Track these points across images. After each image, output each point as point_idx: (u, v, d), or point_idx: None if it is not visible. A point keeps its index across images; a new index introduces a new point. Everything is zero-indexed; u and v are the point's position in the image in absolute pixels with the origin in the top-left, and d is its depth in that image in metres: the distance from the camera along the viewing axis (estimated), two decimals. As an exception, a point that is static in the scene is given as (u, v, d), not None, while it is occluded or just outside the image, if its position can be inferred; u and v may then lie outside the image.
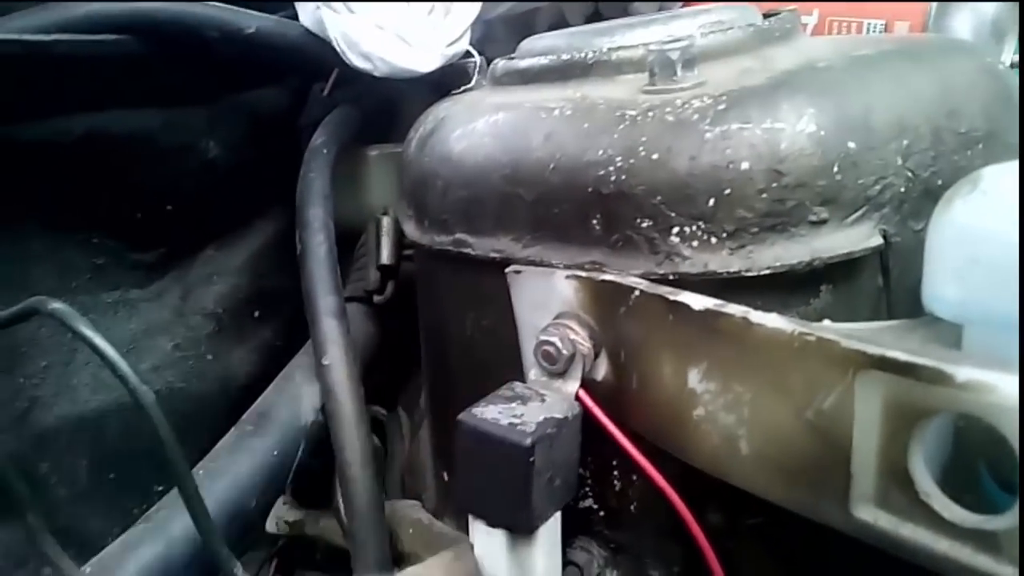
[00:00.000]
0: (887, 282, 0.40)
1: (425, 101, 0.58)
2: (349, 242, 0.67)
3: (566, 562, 0.47)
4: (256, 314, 0.72)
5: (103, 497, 0.60)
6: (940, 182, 0.41)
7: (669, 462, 0.40)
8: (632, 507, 0.46)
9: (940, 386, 0.28)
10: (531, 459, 0.38)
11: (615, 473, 0.46)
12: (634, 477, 0.45)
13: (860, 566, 0.44)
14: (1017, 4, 0.41)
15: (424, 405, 0.62)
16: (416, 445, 0.65)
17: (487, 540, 0.41)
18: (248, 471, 0.52)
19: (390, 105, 0.70)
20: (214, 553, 0.43)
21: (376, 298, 0.62)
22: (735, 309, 0.34)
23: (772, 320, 0.33)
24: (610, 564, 0.48)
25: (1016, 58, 0.63)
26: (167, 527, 0.47)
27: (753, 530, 0.43)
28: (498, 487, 0.40)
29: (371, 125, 0.69)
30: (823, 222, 0.39)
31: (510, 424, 0.39)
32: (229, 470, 0.51)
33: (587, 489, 0.47)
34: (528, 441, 0.38)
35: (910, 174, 0.40)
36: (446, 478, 0.57)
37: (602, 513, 0.47)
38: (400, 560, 0.58)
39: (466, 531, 0.55)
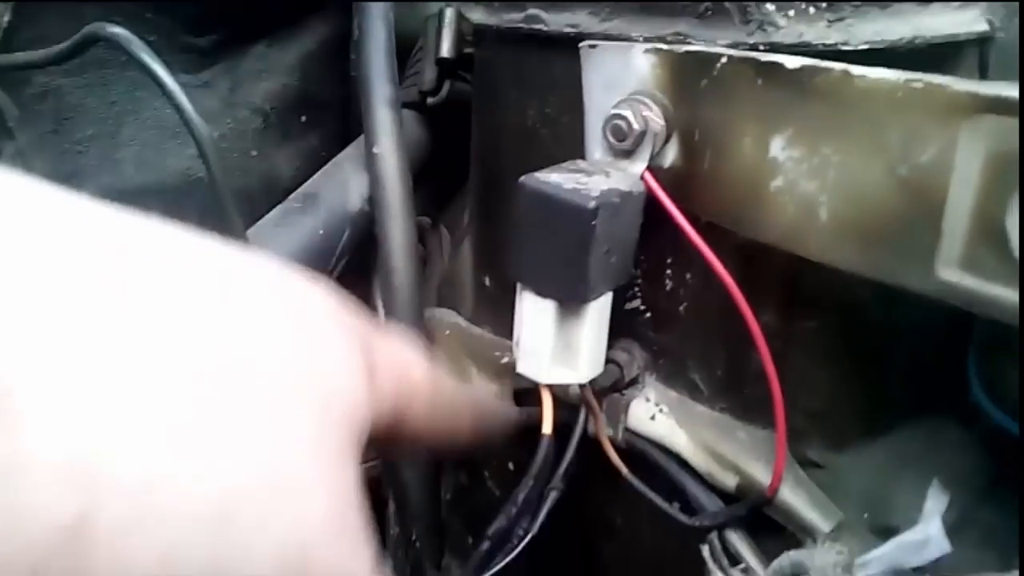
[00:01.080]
0: (985, 78, 0.38)
1: None
2: (403, 53, 0.64)
3: (606, 360, 0.47)
4: (303, 119, 0.70)
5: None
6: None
7: (727, 260, 0.39)
8: (681, 308, 0.45)
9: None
10: (593, 223, 0.37)
11: (668, 272, 0.45)
12: (687, 276, 0.44)
13: (906, 381, 0.44)
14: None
15: (469, 214, 0.61)
16: (456, 258, 0.64)
17: (535, 311, 0.40)
18: (292, 246, 0.51)
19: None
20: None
21: (430, 100, 0.61)
22: (834, 65, 0.32)
23: (874, 71, 0.31)
24: (650, 367, 0.48)
25: None
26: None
27: (805, 333, 0.42)
28: (555, 254, 0.39)
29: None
30: (929, 0, 0.36)
31: (574, 188, 0.38)
32: (273, 242, 0.51)
33: (636, 290, 0.46)
34: (592, 204, 0.37)
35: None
36: (488, 283, 0.56)
37: (648, 315, 0.47)
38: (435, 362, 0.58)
39: (504, 335, 0.54)
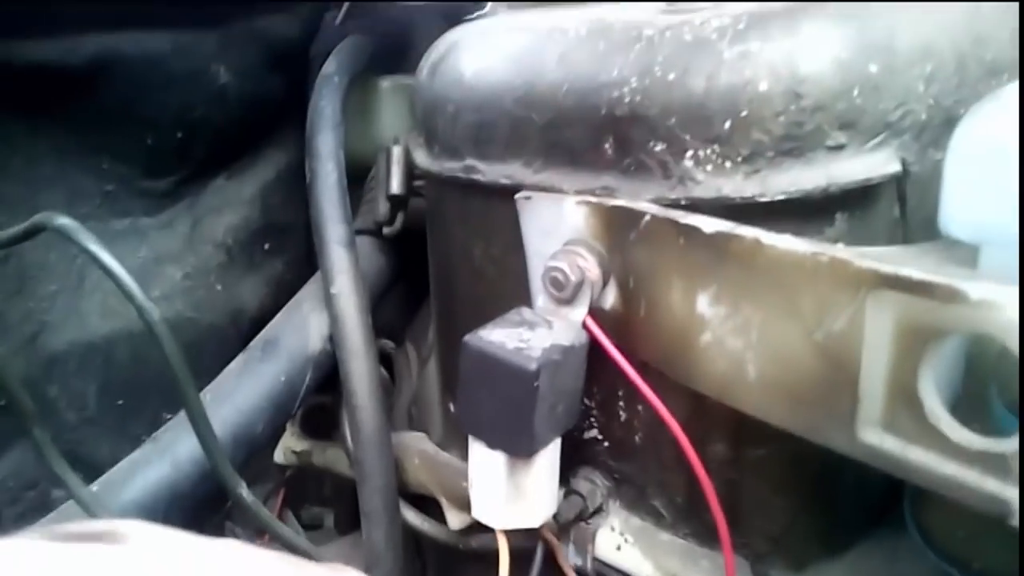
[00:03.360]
0: (904, 211, 0.40)
1: (438, 30, 0.57)
2: (359, 176, 0.66)
3: (569, 491, 0.47)
4: (266, 247, 0.71)
5: (111, 423, 0.60)
6: (963, 111, 0.39)
7: (674, 394, 0.40)
8: (636, 438, 0.46)
9: (953, 304, 0.27)
10: (535, 384, 0.38)
11: (620, 404, 0.46)
12: (639, 408, 0.45)
13: (860, 500, 0.44)
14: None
15: (432, 337, 0.62)
16: (423, 379, 0.65)
17: (485, 462, 0.41)
18: (255, 396, 0.52)
19: (403, 35, 0.69)
20: (220, 474, 0.43)
21: (386, 230, 0.62)
22: (747, 231, 0.34)
23: (784, 241, 0.32)
24: (613, 494, 0.48)
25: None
26: (174, 448, 0.48)
27: (756, 462, 0.43)
28: (500, 410, 0.39)
29: (383, 55, 0.68)
30: (841, 147, 0.38)
31: (516, 348, 0.39)
32: (235, 394, 0.51)
33: (592, 420, 0.47)
34: (533, 366, 0.38)
35: (932, 102, 0.39)
36: (452, 409, 0.57)
37: (606, 444, 0.47)
38: (405, 489, 0.59)
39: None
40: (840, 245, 0.35)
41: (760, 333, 0.34)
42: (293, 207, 0.73)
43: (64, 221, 0.41)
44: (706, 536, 0.45)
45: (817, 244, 0.32)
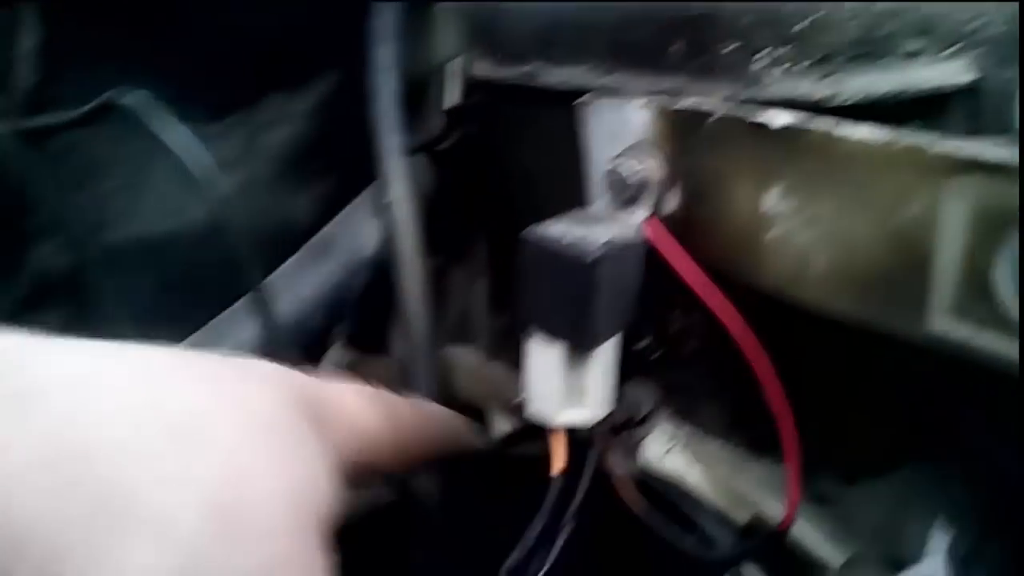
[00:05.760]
0: (977, 124, 0.39)
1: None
2: (413, 96, 0.66)
3: (620, 399, 0.48)
4: (319, 163, 0.72)
5: (164, 321, 0.62)
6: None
7: (735, 299, 0.40)
8: (690, 347, 0.46)
9: (1034, 185, 0.27)
10: (595, 274, 0.38)
11: (676, 311, 0.46)
12: (695, 316, 0.45)
13: (914, 416, 0.45)
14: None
15: (481, 255, 0.63)
16: (471, 295, 0.65)
17: (543, 357, 0.42)
18: (311, 291, 0.53)
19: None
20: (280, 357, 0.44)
21: (439, 147, 0.62)
22: (819, 123, 0.34)
23: (858, 131, 0.32)
24: (663, 405, 0.49)
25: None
26: (234, 333, 0.48)
27: (814, 372, 0.43)
28: (560, 304, 0.40)
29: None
30: (916, 54, 0.37)
31: (577, 240, 0.39)
32: (293, 288, 0.52)
33: (645, 329, 0.48)
34: (593, 257, 0.38)
35: (1010, 16, 0.38)
36: (501, 321, 0.58)
37: (659, 353, 0.48)
38: (451, 401, 0.60)
39: (519, 372, 0.56)
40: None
41: (830, 225, 0.34)
42: (347, 127, 0.73)
43: (135, 98, 0.42)
44: (756, 445, 0.46)
45: (891, 132, 0.31)
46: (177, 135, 0.41)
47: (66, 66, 0.58)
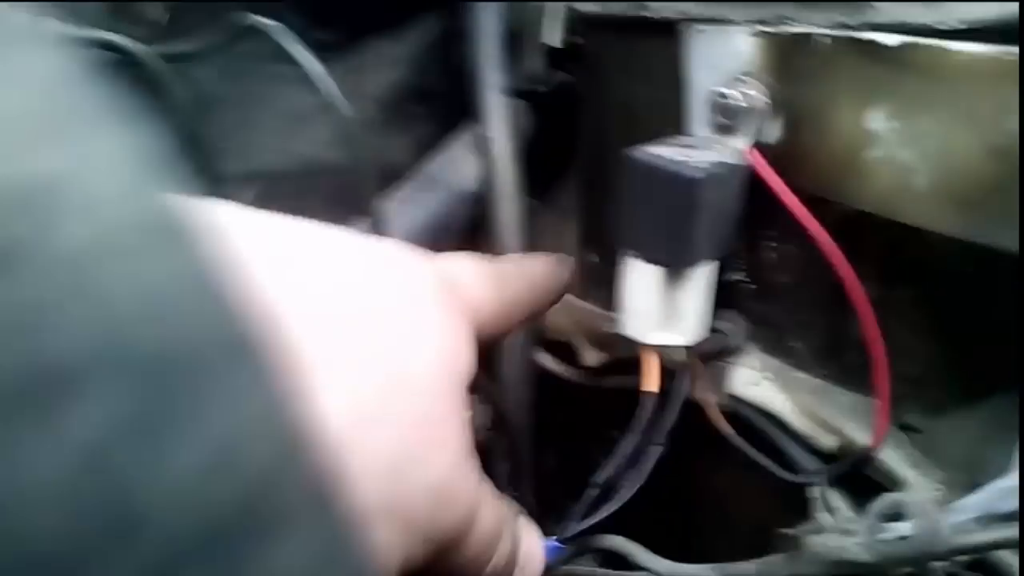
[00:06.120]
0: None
1: None
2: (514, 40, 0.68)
3: (711, 329, 0.49)
4: (418, 108, 0.74)
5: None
6: None
7: (830, 230, 0.41)
8: (783, 279, 0.47)
9: None
10: (699, 192, 0.40)
11: (771, 244, 0.47)
12: (789, 248, 0.46)
13: (999, 351, 0.45)
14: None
15: (574, 195, 0.64)
16: (561, 240, 0.67)
17: (641, 276, 0.43)
18: (416, 222, 0.55)
19: None
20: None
21: (539, 88, 0.64)
22: (932, 41, 0.34)
23: (969, 46, 0.33)
24: (752, 336, 0.50)
25: None
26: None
27: (904, 301, 0.44)
28: (661, 222, 0.41)
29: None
30: (1026, -20, 0.38)
31: (682, 160, 0.41)
32: (399, 217, 0.55)
33: (739, 262, 0.49)
34: (699, 175, 0.40)
35: None
36: (593, 259, 0.59)
37: (751, 286, 0.49)
38: (540, 335, 0.62)
39: (609, 308, 0.57)
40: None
41: (934, 142, 0.34)
42: (445, 74, 0.75)
43: (270, 22, 0.45)
44: (843, 377, 0.47)
45: (1001, 47, 0.32)
46: (308, 61, 0.44)
47: (191, 6, 0.61)
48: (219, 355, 0.17)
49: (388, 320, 0.30)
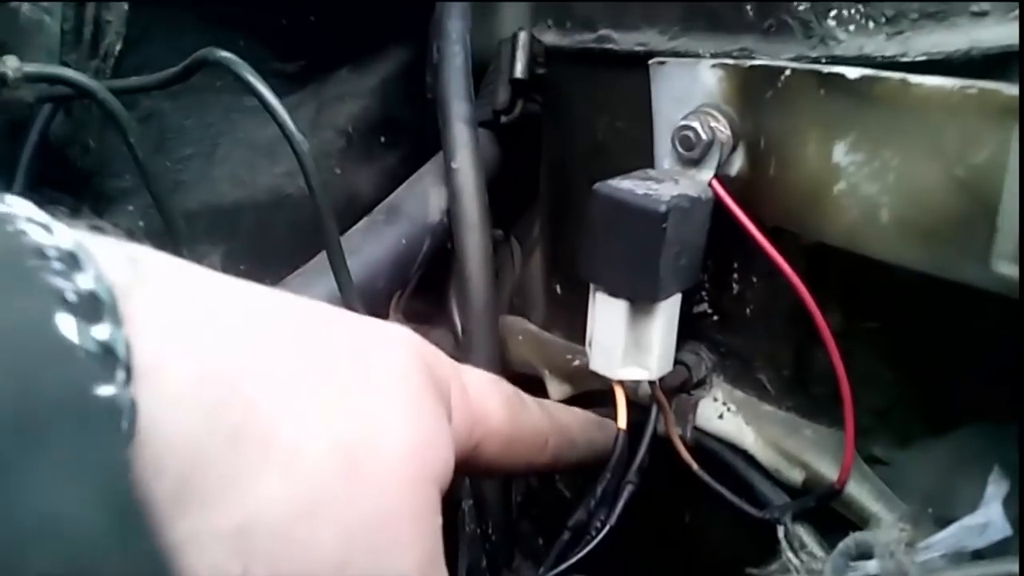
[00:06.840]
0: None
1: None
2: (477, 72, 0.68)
3: (675, 361, 0.49)
4: (383, 139, 0.74)
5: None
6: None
7: (794, 262, 0.41)
8: (747, 311, 0.47)
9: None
10: (664, 227, 0.40)
11: (735, 276, 0.47)
12: (753, 279, 0.46)
13: (967, 380, 0.45)
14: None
15: (539, 226, 0.64)
16: (527, 268, 0.67)
17: (608, 311, 0.43)
18: (377, 253, 0.55)
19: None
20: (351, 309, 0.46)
21: (503, 119, 0.64)
22: (892, 74, 0.35)
23: (931, 79, 0.33)
24: (718, 368, 0.50)
25: None
26: (305, 291, 0.50)
27: (869, 333, 0.44)
28: (626, 256, 0.41)
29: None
30: (984, 14, 0.38)
31: (645, 194, 0.40)
32: (360, 250, 0.54)
33: (703, 294, 0.49)
34: (663, 208, 0.39)
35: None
36: (558, 291, 0.59)
37: (716, 317, 0.49)
38: (508, 367, 0.61)
39: (575, 340, 0.57)
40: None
41: (897, 175, 0.34)
42: (411, 104, 0.75)
43: (226, 54, 0.44)
44: (809, 409, 0.47)
45: (963, 80, 0.32)
46: (265, 93, 0.43)
47: (149, 36, 0.60)
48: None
49: (354, 395, 0.27)
